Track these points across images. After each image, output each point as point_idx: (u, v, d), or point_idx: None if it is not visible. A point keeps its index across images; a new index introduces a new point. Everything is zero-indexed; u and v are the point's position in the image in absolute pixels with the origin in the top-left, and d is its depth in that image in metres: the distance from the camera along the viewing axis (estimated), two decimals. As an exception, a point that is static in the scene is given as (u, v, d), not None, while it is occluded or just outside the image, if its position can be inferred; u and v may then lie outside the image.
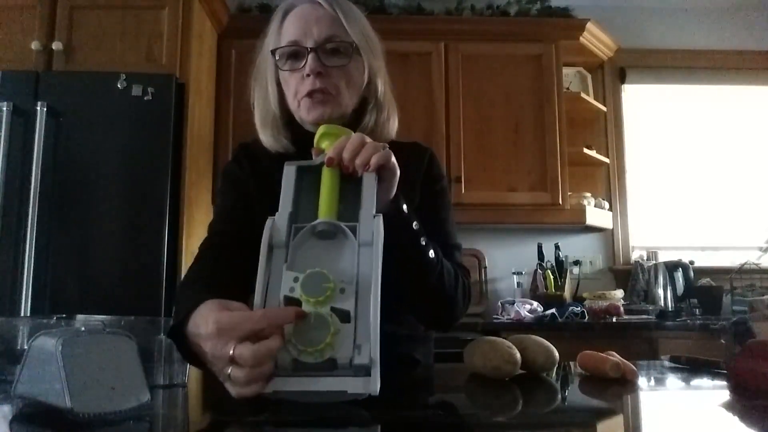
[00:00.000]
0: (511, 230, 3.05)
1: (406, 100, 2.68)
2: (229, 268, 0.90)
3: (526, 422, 0.65)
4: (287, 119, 1.03)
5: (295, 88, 0.98)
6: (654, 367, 1.02)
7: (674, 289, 2.84)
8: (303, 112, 0.98)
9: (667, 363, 1.00)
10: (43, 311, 2.05)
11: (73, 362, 0.58)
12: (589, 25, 2.95)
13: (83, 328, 0.64)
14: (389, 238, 0.70)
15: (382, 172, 0.78)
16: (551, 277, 2.81)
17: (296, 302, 0.64)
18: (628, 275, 3.02)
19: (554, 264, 2.87)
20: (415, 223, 0.87)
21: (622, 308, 2.57)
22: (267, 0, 2.95)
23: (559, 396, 0.79)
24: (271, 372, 0.61)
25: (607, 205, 3.10)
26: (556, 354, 0.87)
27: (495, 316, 2.69)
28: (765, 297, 2.55)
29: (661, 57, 3.28)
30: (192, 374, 0.85)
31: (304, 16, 0.98)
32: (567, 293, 2.82)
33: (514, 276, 2.95)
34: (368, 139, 0.77)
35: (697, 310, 2.75)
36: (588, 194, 2.96)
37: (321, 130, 0.81)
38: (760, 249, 2.98)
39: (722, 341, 1.03)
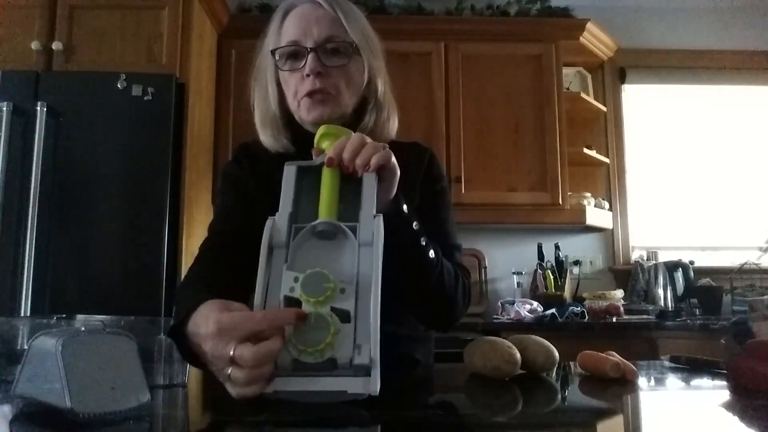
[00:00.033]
0: (511, 230, 3.05)
1: (406, 100, 2.68)
2: (230, 269, 0.90)
3: (526, 422, 0.65)
4: (287, 119, 1.03)
5: (295, 88, 0.98)
6: (654, 367, 1.02)
7: (674, 289, 2.84)
8: (303, 112, 0.98)
9: (667, 363, 1.00)
10: (43, 311, 2.05)
11: (73, 362, 0.58)
12: (589, 25, 2.95)
13: (83, 328, 0.64)
14: (389, 238, 0.70)
15: (383, 172, 0.78)
16: (551, 277, 2.81)
17: (296, 302, 0.64)
18: (628, 275, 3.02)
19: (554, 264, 2.87)
20: (415, 224, 0.87)
21: (622, 308, 2.57)
22: (267, 0, 2.95)
23: (559, 396, 0.79)
24: (271, 373, 0.61)
25: (607, 205, 3.10)
26: (556, 354, 0.87)
27: (495, 316, 2.69)
28: (765, 297, 2.55)
29: (661, 57, 3.27)
30: (192, 374, 0.85)
31: (304, 16, 0.98)
32: (567, 293, 2.82)
33: (514, 276, 2.95)
34: (368, 140, 0.77)
35: (697, 310, 2.75)
36: (588, 194, 2.96)
37: (321, 130, 0.81)
38: (760, 249, 2.98)
39: (722, 341, 1.03)
